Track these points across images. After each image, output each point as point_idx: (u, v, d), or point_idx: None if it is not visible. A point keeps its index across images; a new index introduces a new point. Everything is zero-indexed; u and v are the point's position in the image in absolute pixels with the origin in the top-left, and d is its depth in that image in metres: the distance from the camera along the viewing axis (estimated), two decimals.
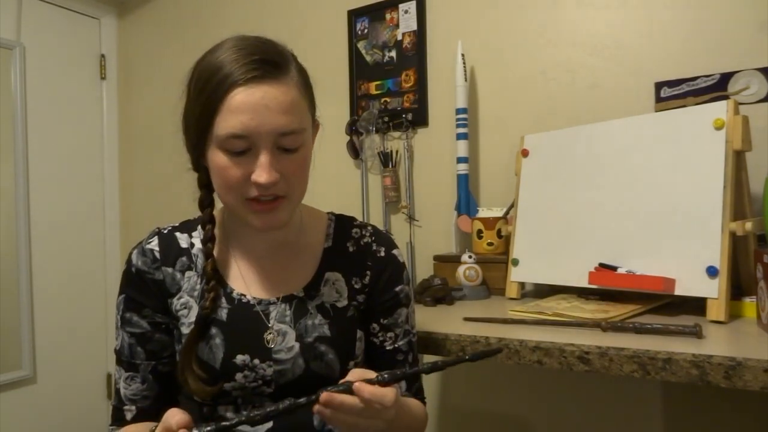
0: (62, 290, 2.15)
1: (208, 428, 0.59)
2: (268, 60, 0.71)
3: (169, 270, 0.81)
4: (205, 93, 0.71)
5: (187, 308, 0.80)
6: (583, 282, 1.10)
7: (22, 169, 2.01)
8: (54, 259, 2.12)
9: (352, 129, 1.73)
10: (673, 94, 1.31)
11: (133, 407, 0.80)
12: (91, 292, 2.26)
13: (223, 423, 0.60)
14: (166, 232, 0.85)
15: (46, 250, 2.09)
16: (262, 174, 0.70)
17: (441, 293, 1.25)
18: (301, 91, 0.74)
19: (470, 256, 1.35)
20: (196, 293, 0.80)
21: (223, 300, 0.79)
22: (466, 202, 1.50)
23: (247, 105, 0.69)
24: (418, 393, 0.89)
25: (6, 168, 1.98)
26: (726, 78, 1.25)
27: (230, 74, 0.70)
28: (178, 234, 0.84)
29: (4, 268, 1.96)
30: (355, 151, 1.74)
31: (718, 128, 1.01)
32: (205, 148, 0.74)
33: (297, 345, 0.78)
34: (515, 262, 1.28)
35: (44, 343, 2.07)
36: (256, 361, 0.77)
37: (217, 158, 0.72)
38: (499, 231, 1.39)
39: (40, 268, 2.07)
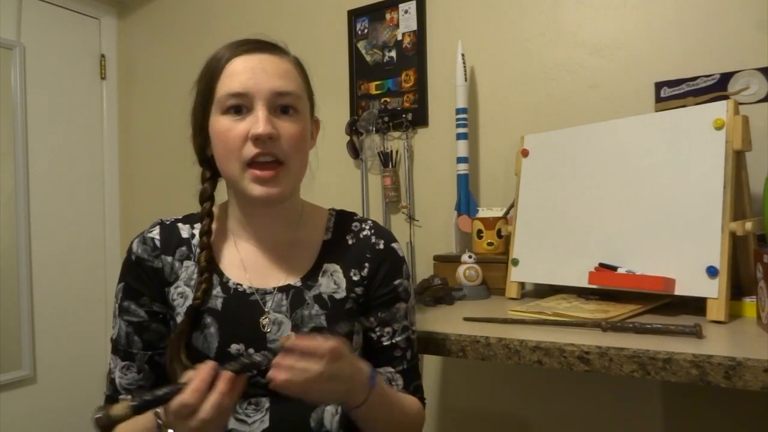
0: (62, 290, 2.15)
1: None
2: (266, 41, 0.80)
3: (169, 259, 0.82)
4: (209, 72, 0.78)
5: (183, 297, 0.80)
6: (583, 282, 1.10)
7: (22, 169, 2.01)
8: (54, 259, 2.12)
9: (352, 129, 1.73)
10: (673, 94, 1.31)
11: (129, 397, 0.80)
12: (91, 292, 2.26)
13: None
14: (168, 223, 0.86)
15: (46, 250, 2.09)
16: (258, 126, 0.74)
17: (441, 293, 1.25)
18: (297, 71, 0.81)
19: (470, 256, 1.35)
20: (193, 282, 0.81)
21: (219, 289, 0.80)
22: (466, 202, 1.50)
23: (245, 67, 0.76)
24: (416, 391, 0.88)
25: (6, 168, 1.97)
26: (726, 78, 1.25)
27: (229, 50, 0.78)
28: (180, 225, 0.86)
29: (4, 268, 1.96)
30: (355, 151, 1.74)
31: (718, 128, 1.01)
32: (208, 124, 0.79)
33: (293, 336, 0.78)
34: (515, 262, 1.28)
35: (44, 343, 2.07)
36: (251, 351, 0.77)
37: (218, 124, 0.77)
38: (499, 231, 1.39)
39: (40, 268, 2.07)
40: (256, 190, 0.76)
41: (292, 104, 0.77)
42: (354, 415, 0.75)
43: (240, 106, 0.75)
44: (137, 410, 0.60)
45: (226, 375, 0.62)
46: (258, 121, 0.74)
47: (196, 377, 0.61)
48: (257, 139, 0.74)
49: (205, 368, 0.62)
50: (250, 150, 0.74)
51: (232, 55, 0.77)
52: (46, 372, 2.08)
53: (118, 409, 0.60)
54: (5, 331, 1.95)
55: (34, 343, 2.04)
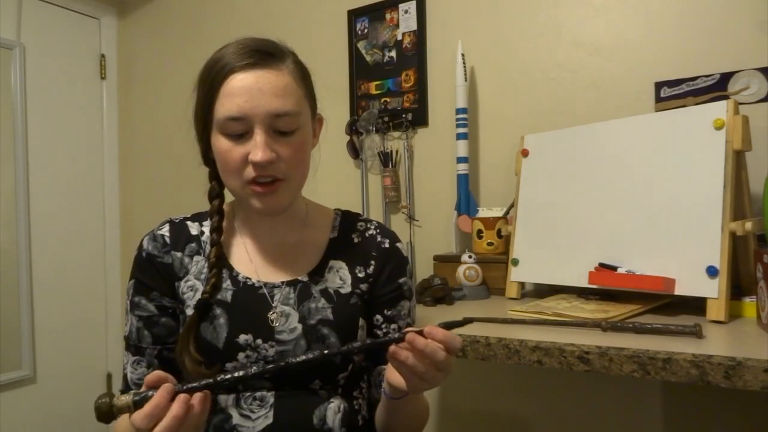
0: (62, 290, 2.15)
1: (197, 383, 0.62)
2: (263, 50, 0.77)
3: (178, 254, 0.84)
4: (207, 83, 0.77)
5: (193, 290, 0.82)
6: (583, 282, 1.10)
7: (22, 169, 2.01)
8: (54, 259, 2.12)
9: (352, 129, 1.73)
10: (673, 94, 1.31)
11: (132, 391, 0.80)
12: (91, 292, 2.26)
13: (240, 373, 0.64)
14: (177, 221, 0.88)
15: (46, 250, 2.09)
16: (257, 153, 0.73)
17: (441, 293, 1.25)
18: (296, 79, 0.78)
19: (470, 256, 1.35)
20: (203, 276, 0.82)
21: (229, 282, 0.82)
22: (466, 202, 1.50)
23: (241, 89, 0.74)
24: None
25: (6, 168, 1.97)
26: (726, 78, 1.25)
27: (227, 63, 0.76)
28: (188, 223, 0.88)
29: (4, 268, 1.96)
30: (355, 151, 1.74)
31: (718, 128, 1.01)
32: (209, 136, 0.79)
33: (300, 326, 0.79)
34: (515, 262, 1.28)
35: (44, 343, 2.07)
36: (259, 341, 0.78)
37: (219, 143, 0.77)
38: (499, 231, 1.39)
39: (40, 268, 2.07)
40: (257, 203, 0.78)
41: (291, 124, 0.76)
42: (394, 404, 0.78)
43: (238, 129, 0.75)
44: (137, 405, 0.61)
45: (180, 398, 0.60)
46: (256, 147, 0.73)
47: (149, 403, 0.59)
48: (256, 165, 0.74)
49: (161, 392, 0.60)
50: (250, 172, 0.75)
51: (230, 70, 0.75)
52: (46, 372, 2.08)
53: (121, 400, 0.61)
54: (5, 331, 1.95)
55: (34, 343, 2.04)
